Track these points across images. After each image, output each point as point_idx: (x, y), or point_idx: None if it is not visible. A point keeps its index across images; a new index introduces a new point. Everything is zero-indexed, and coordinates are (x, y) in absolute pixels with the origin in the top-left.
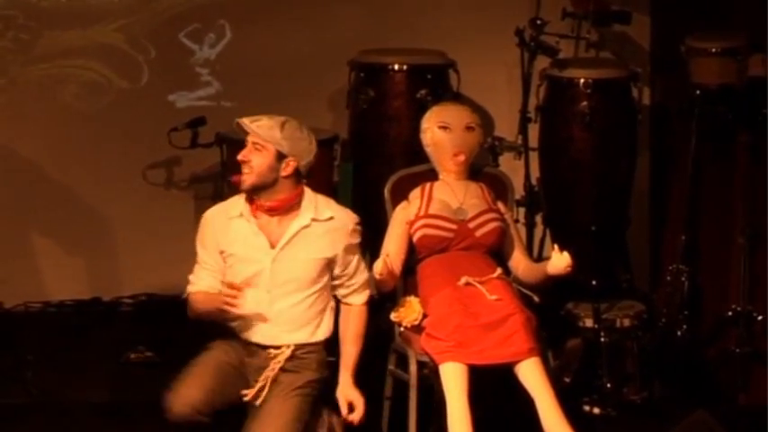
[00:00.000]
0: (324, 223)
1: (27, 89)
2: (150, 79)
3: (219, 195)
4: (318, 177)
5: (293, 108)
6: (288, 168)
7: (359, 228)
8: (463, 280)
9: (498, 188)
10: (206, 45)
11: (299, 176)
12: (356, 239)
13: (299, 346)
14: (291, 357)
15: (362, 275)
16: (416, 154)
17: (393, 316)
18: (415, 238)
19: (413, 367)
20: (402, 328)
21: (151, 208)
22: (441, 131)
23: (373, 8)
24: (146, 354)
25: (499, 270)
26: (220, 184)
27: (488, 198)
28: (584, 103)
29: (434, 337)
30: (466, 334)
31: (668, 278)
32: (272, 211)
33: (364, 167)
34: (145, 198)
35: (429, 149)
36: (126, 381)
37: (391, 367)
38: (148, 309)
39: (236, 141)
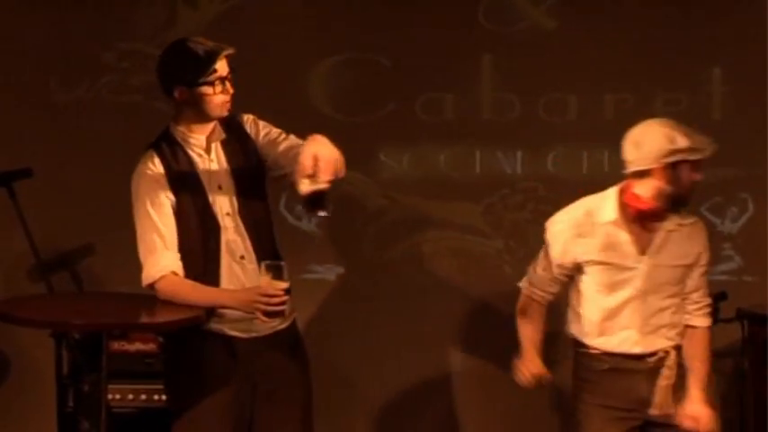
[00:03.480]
0: (688, 227)
1: None
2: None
3: (741, 374)
4: None
5: None
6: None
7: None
8: None
9: None
10: (728, 219)
11: None
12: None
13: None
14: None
15: (706, 295)
16: None
17: None
18: None
19: None
20: None
21: None
22: None
23: None
24: None
25: None
26: (740, 360)
27: None
28: None
29: None
30: None
31: None
32: (641, 218)
33: None
34: None
35: None
36: None
37: None
38: None
39: (758, 317)
